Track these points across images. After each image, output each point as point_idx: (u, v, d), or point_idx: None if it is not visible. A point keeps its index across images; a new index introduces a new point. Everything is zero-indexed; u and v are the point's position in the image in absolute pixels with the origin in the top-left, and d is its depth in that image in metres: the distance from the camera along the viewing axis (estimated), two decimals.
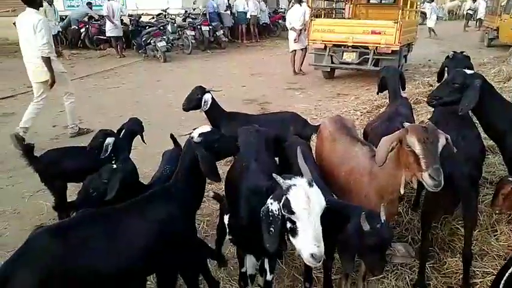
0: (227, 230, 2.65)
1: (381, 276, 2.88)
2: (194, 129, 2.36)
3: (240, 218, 2.23)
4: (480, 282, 2.80)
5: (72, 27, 15.43)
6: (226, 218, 2.68)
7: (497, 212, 2.97)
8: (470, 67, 3.83)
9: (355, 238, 1.95)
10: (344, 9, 12.53)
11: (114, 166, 2.70)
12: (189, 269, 2.45)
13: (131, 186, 2.66)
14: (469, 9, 23.54)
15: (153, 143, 4.20)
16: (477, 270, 2.88)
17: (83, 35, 15.32)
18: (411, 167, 2.17)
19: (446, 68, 3.91)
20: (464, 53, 4.09)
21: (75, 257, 1.79)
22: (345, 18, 11.74)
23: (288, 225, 1.75)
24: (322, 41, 9.55)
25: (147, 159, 4.61)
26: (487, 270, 2.88)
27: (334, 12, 12.09)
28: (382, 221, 1.95)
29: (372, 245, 1.94)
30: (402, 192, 2.35)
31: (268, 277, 2.49)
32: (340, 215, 2.02)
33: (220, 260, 3.03)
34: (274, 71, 11.58)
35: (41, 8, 6.14)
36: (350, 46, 9.27)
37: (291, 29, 10.61)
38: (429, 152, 2.07)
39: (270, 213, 1.76)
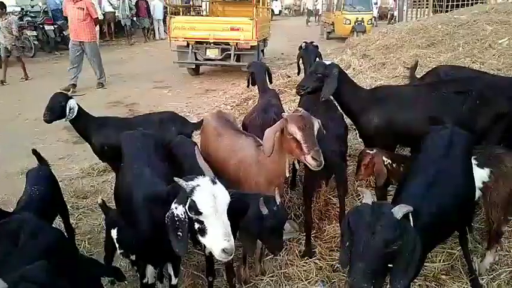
0: (117, 245, 2.49)
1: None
2: None
3: (139, 228, 2.11)
4: None
5: None
6: (114, 232, 2.51)
7: (359, 179, 3.48)
8: (320, 56, 4.41)
9: (256, 222, 2.06)
10: (201, 6, 12.71)
11: None
12: None
13: None
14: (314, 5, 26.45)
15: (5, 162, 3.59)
16: None
17: None
18: (294, 152, 2.41)
19: (301, 58, 4.40)
20: (313, 43, 4.64)
21: None
22: (203, 15, 11.92)
23: (196, 226, 1.75)
24: (184, 38, 9.54)
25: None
26: None
27: (192, 9, 12.15)
28: (278, 204, 2.11)
29: (271, 226, 2.09)
30: (287, 175, 2.59)
31: (174, 281, 2.45)
32: (242, 204, 2.10)
33: (119, 275, 2.82)
34: (136, 70, 11.05)
35: None
36: (212, 43, 9.49)
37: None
38: (308, 137, 2.33)
39: (176, 218, 1.72)
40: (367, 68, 7.19)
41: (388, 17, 24.13)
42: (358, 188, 3.41)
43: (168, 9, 10.17)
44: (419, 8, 15.11)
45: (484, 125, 3.00)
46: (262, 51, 11.30)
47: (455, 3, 12.96)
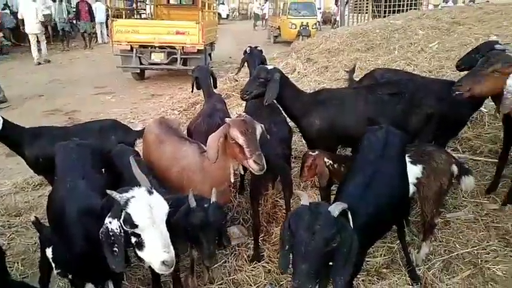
0: (53, 265, 2.33)
1: (223, 261, 3.08)
2: None
3: (74, 245, 1.98)
4: None
5: None
6: (49, 251, 2.35)
7: (304, 181, 3.56)
8: (264, 60, 4.47)
9: (184, 217, 1.99)
10: (145, 9, 12.39)
11: None
12: None
13: None
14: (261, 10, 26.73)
15: None
16: None
17: None
18: (237, 156, 2.40)
19: (246, 62, 4.43)
20: (258, 48, 4.70)
21: None
22: (147, 18, 11.63)
23: (133, 239, 1.68)
24: (128, 42, 9.24)
25: None
26: None
27: (135, 12, 11.80)
28: (211, 202, 2.07)
29: (198, 222, 1.97)
30: (232, 180, 2.58)
31: None
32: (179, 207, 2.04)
33: None
34: (76, 75, 10.51)
35: None
36: (157, 46, 9.29)
37: None
38: (251, 141, 2.33)
39: (111, 233, 1.64)
40: (311, 71, 7.40)
41: (332, 21, 25.06)
42: (295, 191, 3.45)
43: (109, 12, 9.75)
44: (359, 13, 15.88)
45: (416, 124, 3.19)
46: (210, 55, 11.24)
47: (392, 8, 13.78)
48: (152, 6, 11.95)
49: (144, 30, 9.30)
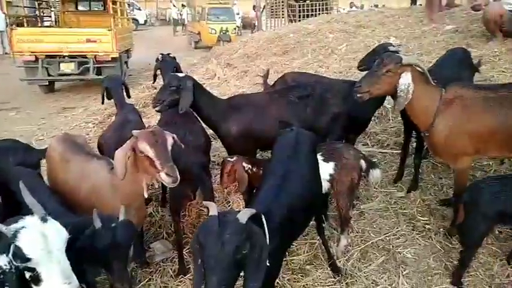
0: None
1: (147, 279, 2.94)
2: None
3: None
4: None
5: None
6: None
7: (224, 187, 3.55)
8: (178, 67, 4.39)
9: (89, 239, 1.85)
10: (50, 16, 11.47)
11: None
12: None
13: None
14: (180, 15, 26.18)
15: None
16: None
17: None
18: (149, 170, 2.30)
19: (159, 70, 4.32)
20: (170, 55, 4.60)
21: None
22: (52, 26, 10.79)
23: (27, 275, 1.50)
24: (32, 52, 8.48)
25: None
26: None
27: (39, 20, 10.86)
28: (120, 220, 1.96)
29: (104, 244, 1.83)
30: (146, 195, 2.46)
31: None
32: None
33: None
34: None
35: None
36: (67, 56, 8.68)
37: None
38: (161, 153, 2.25)
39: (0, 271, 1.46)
40: (231, 76, 7.45)
41: (252, 26, 25.58)
42: (203, 202, 3.40)
43: (8, 19, 8.85)
44: (276, 18, 16.43)
45: (325, 124, 3.36)
46: (126, 62, 10.76)
47: (306, 13, 14.48)
48: (60, 13, 11.11)
49: (50, 39, 8.61)
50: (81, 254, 1.76)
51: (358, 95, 2.92)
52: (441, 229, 3.29)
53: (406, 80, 2.81)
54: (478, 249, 2.84)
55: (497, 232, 3.21)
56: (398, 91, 2.84)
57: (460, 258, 2.80)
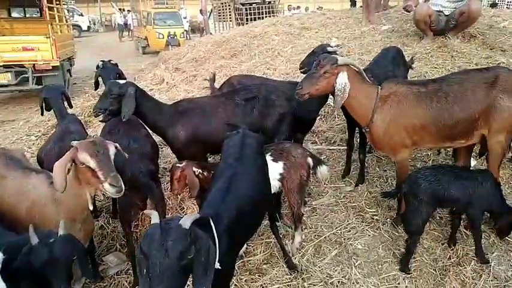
0: None
1: None
2: None
3: None
4: None
5: None
6: None
7: (175, 194, 3.49)
8: (121, 73, 4.27)
9: (26, 257, 1.76)
10: None
11: None
12: None
13: None
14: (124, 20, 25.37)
15: None
16: None
17: None
18: (91, 181, 2.23)
19: (101, 77, 4.18)
20: (112, 61, 4.46)
21: None
22: None
23: None
24: None
25: None
26: None
27: None
28: (59, 235, 1.88)
29: (41, 261, 1.75)
30: (91, 208, 2.38)
31: None
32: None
33: None
34: None
35: None
36: (1, 66, 8.16)
37: None
38: (103, 163, 2.18)
39: None
40: (180, 81, 7.36)
41: (201, 30, 25.40)
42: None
43: None
44: (224, 21, 16.45)
45: (272, 125, 3.42)
46: (69, 71, 10.29)
47: (252, 16, 14.63)
48: None
49: None
50: (18, 274, 1.66)
51: (299, 96, 3.02)
52: (388, 219, 3.46)
53: (342, 79, 2.94)
54: (422, 235, 3.02)
55: (438, 218, 3.44)
56: (335, 90, 2.96)
57: (406, 245, 2.97)
